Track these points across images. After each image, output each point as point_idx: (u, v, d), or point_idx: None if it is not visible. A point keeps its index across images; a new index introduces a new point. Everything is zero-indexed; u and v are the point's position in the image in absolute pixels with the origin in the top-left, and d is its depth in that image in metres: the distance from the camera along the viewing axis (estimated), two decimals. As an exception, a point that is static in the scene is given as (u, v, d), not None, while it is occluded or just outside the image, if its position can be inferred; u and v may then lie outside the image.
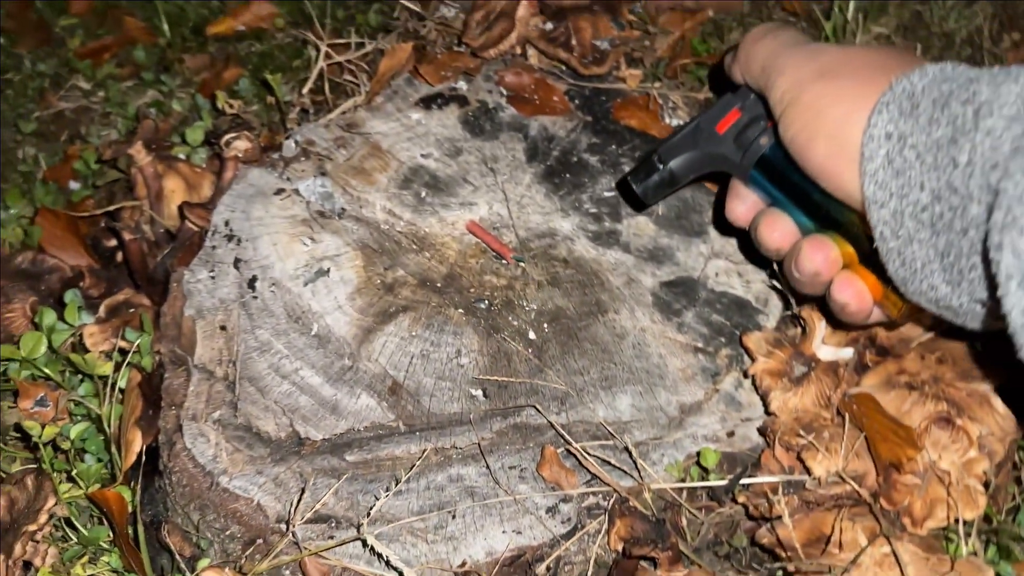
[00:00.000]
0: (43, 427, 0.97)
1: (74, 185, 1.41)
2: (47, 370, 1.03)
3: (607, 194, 1.20)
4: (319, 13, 1.59)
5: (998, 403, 0.90)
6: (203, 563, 0.90)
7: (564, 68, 1.33)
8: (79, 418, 1.03)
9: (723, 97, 0.96)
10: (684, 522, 0.92)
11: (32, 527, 0.91)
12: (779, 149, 0.85)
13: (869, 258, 0.79)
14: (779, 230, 0.88)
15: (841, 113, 0.76)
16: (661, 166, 0.96)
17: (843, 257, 0.83)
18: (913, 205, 0.69)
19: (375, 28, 1.50)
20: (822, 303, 0.89)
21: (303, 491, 0.91)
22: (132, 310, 1.10)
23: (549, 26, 1.32)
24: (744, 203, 0.94)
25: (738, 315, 1.07)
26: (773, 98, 0.84)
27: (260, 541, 0.91)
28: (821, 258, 0.82)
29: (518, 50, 1.34)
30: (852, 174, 0.75)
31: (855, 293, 0.82)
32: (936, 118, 0.68)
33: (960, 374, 0.92)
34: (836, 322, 0.92)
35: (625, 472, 0.93)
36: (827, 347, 0.96)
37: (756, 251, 0.94)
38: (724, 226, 1.02)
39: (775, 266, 0.94)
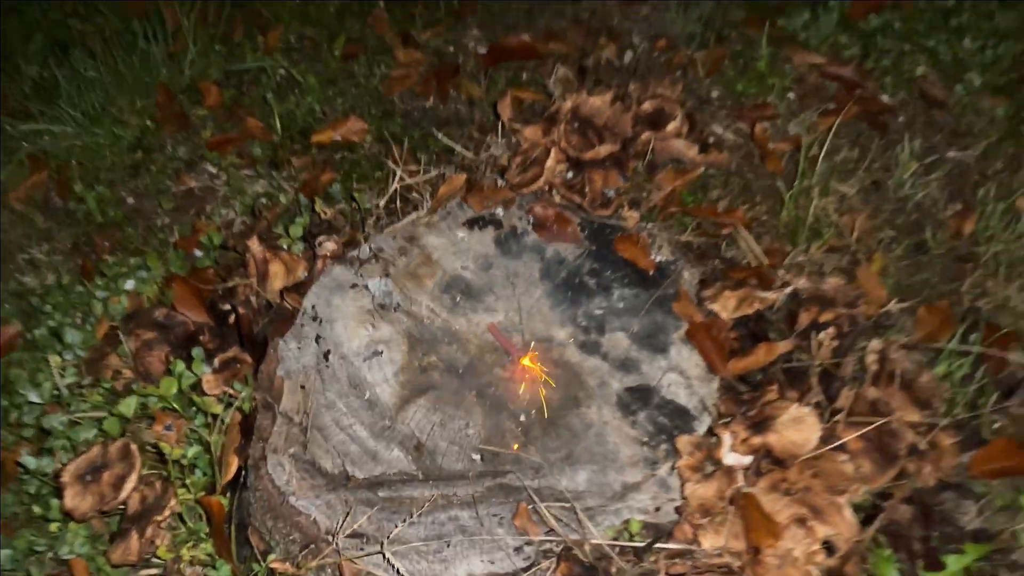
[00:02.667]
0: (171, 447, 1.37)
1: (198, 253, 1.83)
2: (175, 405, 1.45)
3: (597, 312, 1.57)
4: (400, 131, 2.01)
5: (848, 513, 1.24)
6: (271, 557, 1.30)
7: (582, 209, 1.71)
8: (194, 442, 1.44)
9: None
10: (614, 569, 1.27)
11: (158, 517, 1.31)
12: None
13: None
14: None
15: None
16: None
17: None
18: None
19: (441, 151, 1.89)
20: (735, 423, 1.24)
21: (347, 514, 1.30)
22: (238, 365, 1.51)
23: (570, 175, 1.71)
24: None
25: (679, 420, 1.43)
26: None
27: (312, 546, 1.30)
28: None
29: (546, 188, 1.72)
30: None
31: None
32: None
33: (827, 488, 1.27)
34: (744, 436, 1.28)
35: (574, 528, 1.29)
36: (733, 454, 1.31)
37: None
38: (684, 347, 1.38)
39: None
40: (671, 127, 1.74)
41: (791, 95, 2.03)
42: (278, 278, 1.64)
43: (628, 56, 2.12)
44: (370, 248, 1.64)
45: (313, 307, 1.56)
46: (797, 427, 1.32)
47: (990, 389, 1.53)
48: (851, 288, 1.58)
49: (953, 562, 1.28)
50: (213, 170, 2.01)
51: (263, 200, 1.91)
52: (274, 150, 2.02)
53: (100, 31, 2.33)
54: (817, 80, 2.05)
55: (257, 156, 2.01)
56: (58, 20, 2.42)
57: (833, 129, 1.83)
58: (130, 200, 1.97)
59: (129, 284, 1.72)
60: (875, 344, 1.47)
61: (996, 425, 1.52)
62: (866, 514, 1.35)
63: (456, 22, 2.28)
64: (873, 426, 1.34)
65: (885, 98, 2.04)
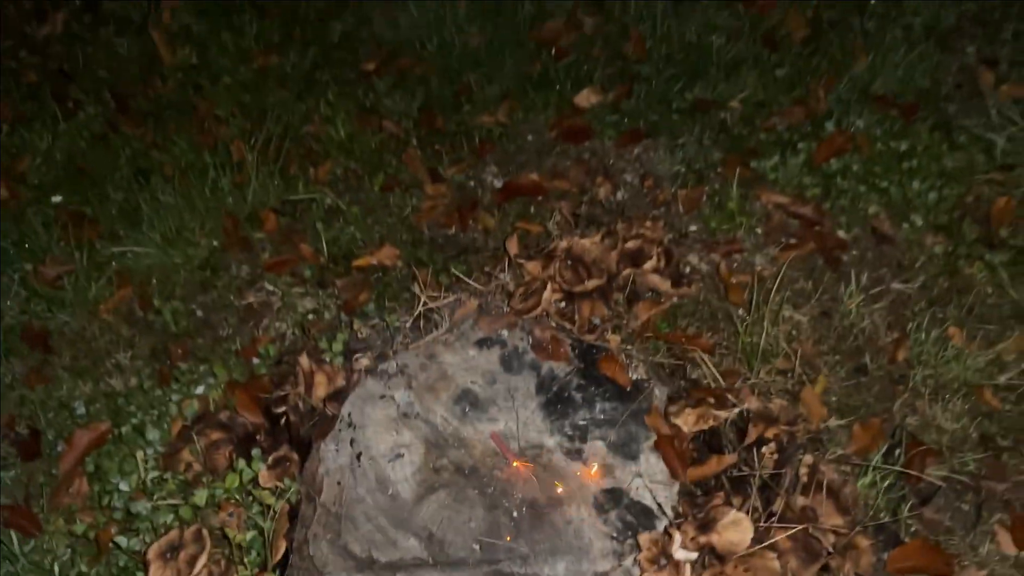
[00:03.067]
0: (234, 532, 1.72)
1: (256, 362, 2.20)
2: (237, 496, 1.80)
3: (581, 422, 1.91)
4: (426, 257, 2.39)
5: (771, 601, 1.54)
6: (311, 623, 1.63)
7: (572, 334, 2.06)
8: (251, 527, 1.78)
9: None
10: (582, 642, 1.58)
11: (224, 588, 1.66)
12: None
13: None
14: None
15: None
16: None
17: None
18: None
19: (460, 275, 2.25)
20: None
21: (371, 590, 1.63)
22: (287, 463, 1.87)
23: (563, 304, 2.06)
24: None
25: (643, 518, 1.75)
26: None
27: (343, 615, 1.63)
28: None
29: (543, 315, 2.08)
30: None
31: None
32: None
33: (756, 580, 1.57)
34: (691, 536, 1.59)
35: (552, 607, 1.61)
36: (682, 551, 1.62)
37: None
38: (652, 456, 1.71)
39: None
40: (648, 265, 2.10)
41: (758, 230, 2.38)
42: (321, 387, 2.00)
43: (620, 194, 2.49)
44: (396, 364, 2.00)
45: (349, 414, 1.91)
46: (735, 528, 1.64)
47: (909, 497, 1.83)
48: (793, 408, 1.90)
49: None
50: (271, 288, 2.40)
51: (311, 316, 2.29)
52: (321, 272, 2.41)
53: (176, 161, 2.76)
54: (781, 218, 2.40)
55: (307, 277, 2.40)
56: (140, 150, 2.86)
57: (787, 264, 2.17)
58: (199, 313, 2.36)
59: (199, 389, 2.10)
60: (807, 459, 1.79)
61: (912, 529, 1.81)
62: (796, 604, 1.65)
63: (477, 160, 2.68)
64: (798, 528, 1.65)
65: (841, 233, 2.38)
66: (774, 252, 2.31)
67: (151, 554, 1.69)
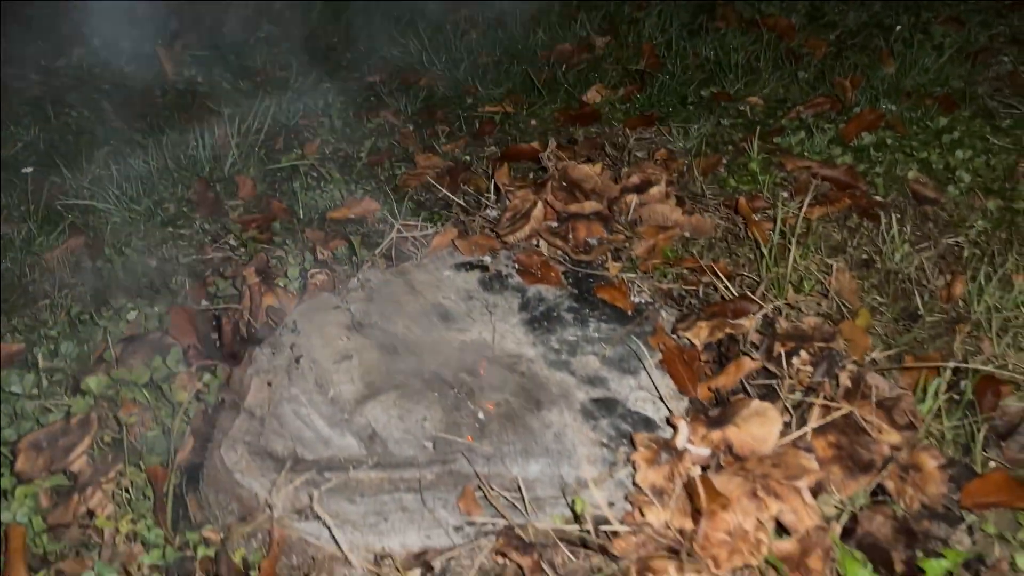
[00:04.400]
0: (127, 420, 1.38)
1: (205, 303, 1.92)
2: (145, 394, 1.47)
3: (570, 338, 1.57)
4: (410, 213, 2.14)
5: (807, 496, 1.15)
6: (207, 526, 1.26)
7: (566, 256, 1.77)
8: (156, 428, 1.44)
9: None
10: (557, 554, 1.19)
11: (103, 479, 1.30)
12: None
13: None
14: None
15: None
16: None
17: None
18: None
19: (439, 212, 2.00)
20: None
21: (283, 485, 1.26)
22: (212, 371, 1.54)
23: (556, 225, 1.78)
24: None
25: (644, 428, 1.38)
26: None
27: (248, 517, 1.26)
28: None
29: (534, 241, 1.79)
30: None
31: None
32: None
33: (787, 476, 1.19)
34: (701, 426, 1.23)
35: (521, 513, 1.23)
36: (689, 444, 1.25)
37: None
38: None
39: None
40: (655, 191, 1.83)
41: (784, 193, 2.12)
42: (269, 303, 1.71)
43: (628, 164, 2.26)
44: (359, 279, 1.71)
45: (294, 322, 1.60)
46: (759, 421, 1.27)
47: (982, 431, 1.44)
48: (830, 326, 1.55)
49: (931, 567, 1.15)
50: (234, 243, 2.15)
51: (273, 262, 2.02)
52: (293, 228, 2.17)
53: (159, 143, 2.60)
54: (809, 179, 2.14)
55: (276, 231, 2.15)
56: (126, 138, 2.72)
57: (819, 218, 1.89)
58: (152, 263, 2.11)
59: (131, 316, 1.81)
60: (851, 367, 1.43)
61: (992, 464, 1.41)
62: (844, 528, 1.25)
63: (476, 140, 2.49)
64: (839, 413, 1.27)
65: (878, 197, 2.11)
66: (803, 209, 2.03)
67: (22, 444, 1.35)
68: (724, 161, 2.26)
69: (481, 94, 2.79)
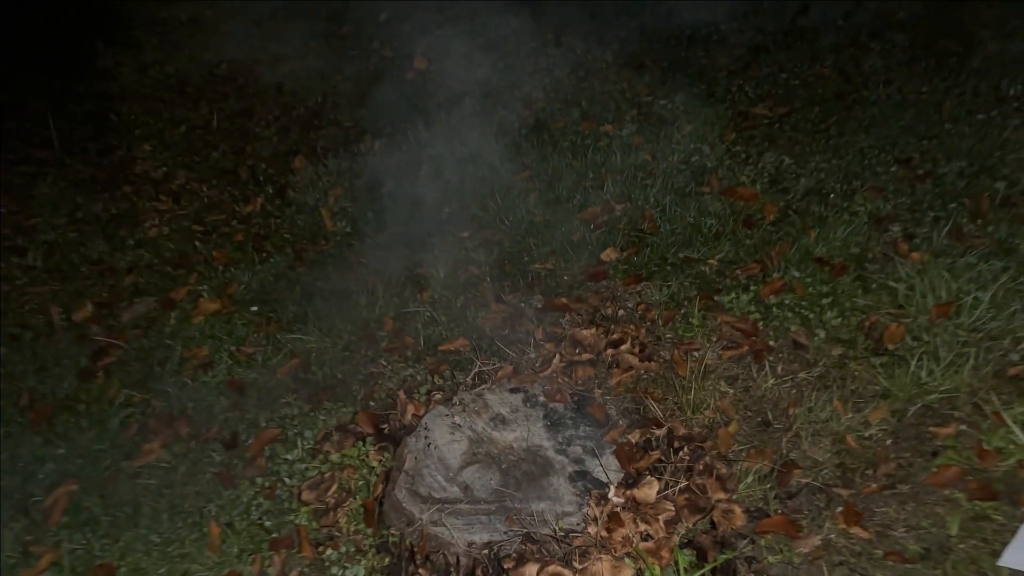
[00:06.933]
0: (352, 483, 2.89)
1: (372, 404, 3.42)
2: (355, 462, 2.98)
3: (568, 435, 3.01)
4: (486, 345, 3.62)
5: (663, 522, 2.57)
6: (391, 528, 2.75)
7: (571, 386, 3.20)
8: (361, 479, 2.95)
9: None
10: (550, 548, 2.62)
11: (343, 506, 2.81)
12: None
13: None
14: None
15: None
16: None
17: None
18: None
19: (500, 357, 3.45)
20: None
21: (428, 510, 2.74)
22: (385, 450, 3.05)
23: (565, 367, 3.23)
24: None
25: (598, 487, 2.80)
26: None
27: (409, 524, 2.74)
28: None
29: (553, 375, 3.23)
30: None
31: None
32: None
33: (655, 513, 2.60)
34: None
35: (534, 527, 2.67)
36: (615, 497, 2.68)
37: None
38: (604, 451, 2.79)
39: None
40: (624, 346, 3.25)
41: (712, 338, 3.50)
42: (410, 412, 3.20)
43: (620, 312, 3.68)
44: (457, 400, 3.19)
45: (425, 424, 3.09)
46: (648, 487, 2.68)
47: (779, 493, 2.80)
48: (708, 432, 2.94)
49: (721, 559, 2.54)
50: (384, 363, 3.66)
51: (408, 378, 3.52)
52: (418, 355, 3.66)
53: (333, 289, 4.16)
54: (728, 330, 3.52)
55: (408, 357, 3.65)
56: (309, 283, 4.29)
57: (726, 358, 3.27)
58: (339, 376, 3.64)
59: (337, 415, 3.33)
60: (707, 458, 2.82)
61: (778, 511, 2.77)
62: (686, 540, 2.64)
63: (529, 291, 3.96)
64: (684, 484, 2.67)
65: (770, 343, 3.47)
66: (719, 351, 3.41)
67: (304, 486, 2.87)
68: (682, 312, 3.66)
69: (533, 251, 4.25)
